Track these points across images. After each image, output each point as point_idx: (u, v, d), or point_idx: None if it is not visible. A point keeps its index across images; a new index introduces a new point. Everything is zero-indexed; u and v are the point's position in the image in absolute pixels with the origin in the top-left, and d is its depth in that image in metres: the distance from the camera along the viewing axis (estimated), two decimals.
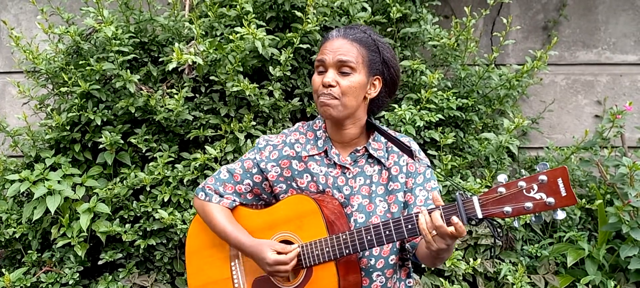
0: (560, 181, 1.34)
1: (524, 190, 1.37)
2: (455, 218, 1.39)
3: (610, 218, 2.80)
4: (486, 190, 1.52)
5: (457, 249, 2.70)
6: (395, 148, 1.70)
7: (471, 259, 2.65)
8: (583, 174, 3.20)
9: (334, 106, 1.58)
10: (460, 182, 2.67)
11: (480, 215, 1.40)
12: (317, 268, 1.59)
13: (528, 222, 2.92)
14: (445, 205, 1.44)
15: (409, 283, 1.75)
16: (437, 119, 2.73)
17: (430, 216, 1.42)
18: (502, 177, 1.40)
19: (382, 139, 1.71)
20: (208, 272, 1.75)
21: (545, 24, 3.53)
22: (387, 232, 1.51)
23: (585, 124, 3.52)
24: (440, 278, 2.65)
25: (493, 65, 2.95)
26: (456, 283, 2.69)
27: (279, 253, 1.58)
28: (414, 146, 1.72)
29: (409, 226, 1.48)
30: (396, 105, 2.72)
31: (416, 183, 1.66)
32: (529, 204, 1.36)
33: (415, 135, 2.70)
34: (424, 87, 2.82)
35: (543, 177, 1.35)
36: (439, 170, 2.68)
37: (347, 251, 1.55)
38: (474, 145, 2.90)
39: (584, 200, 2.93)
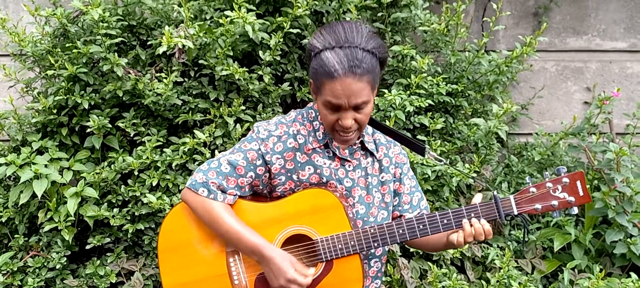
0: (578, 183, 1.60)
1: (551, 190, 1.60)
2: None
3: (596, 204, 2.83)
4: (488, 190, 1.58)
5: None
6: (382, 140, 1.77)
7: None
8: (571, 160, 3.22)
9: (353, 138, 1.61)
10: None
11: (516, 212, 1.60)
12: (339, 261, 1.62)
13: None
14: (482, 203, 1.58)
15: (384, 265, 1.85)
16: (427, 105, 2.73)
17: (480, 221, 1.59)
18: (529, 179, 1.64)
19: (369, 130, 1.75)
20: (194, 269, 1.67)
21: (536, 10, 3.53)
22: (421, 226, 1.60)
23: (574, 111, 3.54)
24: (429, 262, 2.67)
25: (483, 51, 2.94)
26: (444, 267, 2.71)
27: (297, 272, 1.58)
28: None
29: (445, 221, 1.59)
30: (386, 91, 2.72)
31: (403, 173, 1.77)
32: (554, 202, 1.60)
33: (404, 120, 2.69)
34: (414, 72, 2.82)
35: (566, 179, 1.60)
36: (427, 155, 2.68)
37: (376, 244, 1.61)
38: (463, 131, 2.91)
39: None
